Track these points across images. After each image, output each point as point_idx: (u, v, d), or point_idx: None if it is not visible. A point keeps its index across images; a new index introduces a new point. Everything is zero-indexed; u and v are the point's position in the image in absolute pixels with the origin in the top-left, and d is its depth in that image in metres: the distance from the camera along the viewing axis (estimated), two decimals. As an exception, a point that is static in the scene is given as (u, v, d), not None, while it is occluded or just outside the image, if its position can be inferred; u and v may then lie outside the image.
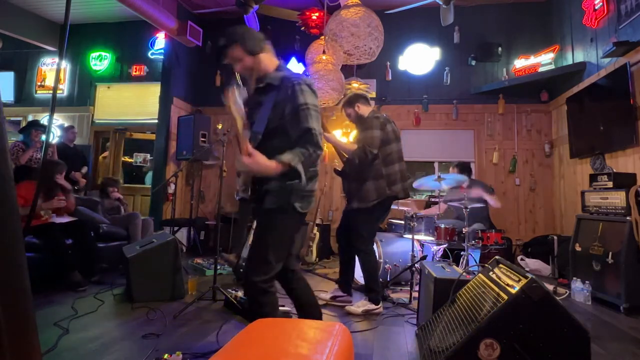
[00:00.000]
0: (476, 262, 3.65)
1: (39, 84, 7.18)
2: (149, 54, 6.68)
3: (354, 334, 2.38)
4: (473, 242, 3.70)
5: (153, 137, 6.20)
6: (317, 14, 5.72)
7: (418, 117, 6.06)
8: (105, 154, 6.84)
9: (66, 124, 5.99)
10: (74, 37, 6.91)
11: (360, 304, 2.89)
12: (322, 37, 4.46)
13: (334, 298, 3.08)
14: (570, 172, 5.13)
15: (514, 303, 1.59)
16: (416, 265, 3.25)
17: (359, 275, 3.81)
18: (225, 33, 1.73)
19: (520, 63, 5.70)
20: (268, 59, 1.76)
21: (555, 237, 4.45)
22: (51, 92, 7.13)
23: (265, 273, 1.65)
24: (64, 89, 6.99)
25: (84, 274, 3.42)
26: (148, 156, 6.93)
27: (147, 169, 6.98)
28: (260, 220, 1.73)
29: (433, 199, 5.59)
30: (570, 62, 5.09)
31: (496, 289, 1.77)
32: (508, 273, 1.84)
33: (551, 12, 5.73)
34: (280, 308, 2.56)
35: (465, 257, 3.55)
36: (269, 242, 1.67)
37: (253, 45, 1.70)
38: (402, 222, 3.96)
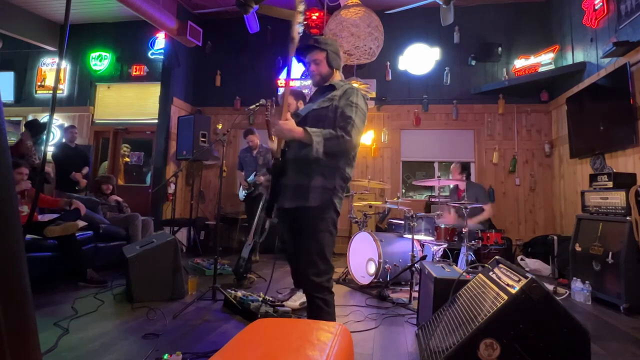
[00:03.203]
0: (468, 262, 3.64)
1: (39, 84, 7.18)
2: (149, 54, 6.68)
3: (354, 334, 2.38)
4: (473, 242, 3.71)
5: (146, 135, 6.20)
6: (317, 14, 5.72)
7: (418, 117, 6.06)
8: (106, 164, 6.83)
9: (66, 124, 6.00)
10: (74, 37, 6.91)
11: (296, 297, 2.94)
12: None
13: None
14: (570, 172, 5.13)
15: (514, 303, 1.59)
16: (416, 265, 3.25)
17: (359, 275, 3.82)
18: (318, 38, 1.93)
19: (520, 63, 5.70)
20: (337, 75, 1.94)
21: (555, 237, 4.45)
22: (51, 92, 7.13)
23: (327, 272, 1.71)
24: (64, 89, 6.99)
25: (75, 277, 3.44)
26: (142, 155, 6.92)
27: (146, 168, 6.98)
28: (305, 220, 1.74)
29: (433, 199, 5.59)
30: (570, 62, 5.09)
31: (496, 289, 1.77)
32: (508, 273, 1.84)
33: (551, 12, 5.73)
34: (280, 308, 2.58)
35: (466, 257, 3.55)
36: (322, 241, 1.71)
37: (335, 60, 1.89)
38: (402, 222, 3.96)
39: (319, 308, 1.70)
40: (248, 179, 4.86)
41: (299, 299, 2.90)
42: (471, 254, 3.64)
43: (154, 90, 6.36)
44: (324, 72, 1.88)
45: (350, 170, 1.82)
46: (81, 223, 3.74)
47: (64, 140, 5.43)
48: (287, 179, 1.76)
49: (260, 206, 3.82)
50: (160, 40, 6.51)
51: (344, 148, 1.70)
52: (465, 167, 4.55)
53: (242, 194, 5.04)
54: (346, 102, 1.74)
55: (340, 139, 1.67)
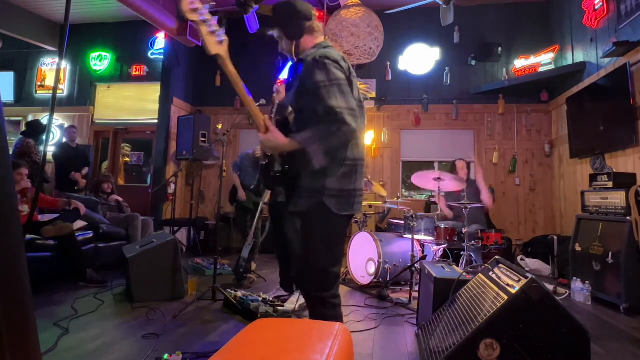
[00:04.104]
0: (475, 261, 3.64)
1: (39, 84, 7.19)
2: (149, 54, 6.68)
3: (354, 334, 2.38)
4: (473, 242, 3.71)
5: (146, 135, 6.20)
6: (317, 14, 5.72)
7: (418, 117, 6.06)
8: (106, 164, 6.83)
9: (66, 124, 6.01)
10: (74, 37, 6.91)
11: (294, 299, 2.86)
12: (322, 37, 4.45)
13: (277, 298, 3.02)
14: (570, 172, 5.13)
15: (514, 303, 1.59)
16: (416, 265, 3.25)
17: (359, 275, 3.82)
18: (273, 12, 1.66)
19: (520, 63, 5.70)
20: (307, 41, 1.64)
21: (555, 237, 4.45)
22: (51, 92, 7.13)
23: (321, 282, 1.51)
24: (64, 89, 6.99)
25: (75, 277, 3.45)
26: (142, 155, 6.91)
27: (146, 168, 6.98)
28: (297, 226, 1.57)
29: (433, 199, 5.59)
30: (570, 62, 5.09)
31: (496, 289, 1.77)
32: (508, 273, 1.84)
33: (551, 12, 5.73)
34: (280, 308, 2.57)
35: (466, 257, 3.55)
36: (315, 249, 1.51)
37: (294, 27, 1.62)
38: (402, 222, 3.96)
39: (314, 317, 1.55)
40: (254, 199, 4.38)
41: (296, 302, 2.87)
42: (472, 254, 3.63)
43: (154, 90, 6.36)
44: (287, 48, 1.66)
45: (351, 151, 1.53)
46: (81, 223, 3.74)
47: (64, 140, 5.44)
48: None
49: (259, 207, 3.81)
50: (160, 40, 6.51)
51: (346, 139, 1.46)
52: (468, 165, 4.57)
53: (238, 198, 4.52)
54: (316, 87, 1.45)
55: (337, 133, 1.41)
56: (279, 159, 1.55)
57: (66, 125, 5.65)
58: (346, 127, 1.41)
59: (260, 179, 2.98)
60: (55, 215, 3.64)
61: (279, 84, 3.21)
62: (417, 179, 3.96)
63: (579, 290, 3.32)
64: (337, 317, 1.53)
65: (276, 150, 1.51)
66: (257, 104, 3.00)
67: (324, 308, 1.51)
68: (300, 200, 1.52)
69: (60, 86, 6.95)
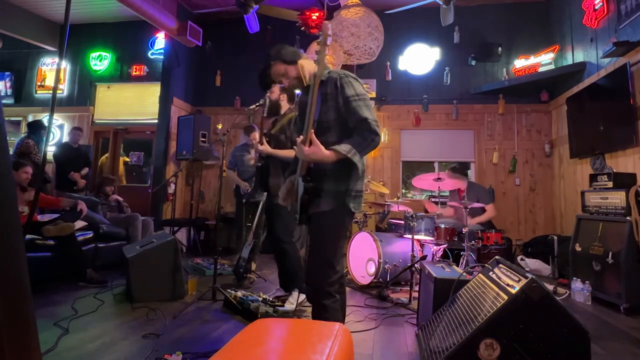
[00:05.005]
0: (475, 261, 3.64)
1: (39, 84, 7.18)
2: (149, 54, 6.68)
3: (354, 334, 2.38)
4: (473, 242, 3.71)
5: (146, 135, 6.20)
6: (317, 14, 5.72)
7: (418, 117, 6.06)
8: (106, 156, 6.84)
9: (70, 125, 6.01)
10: (74, 37, 6.91)
11: (292, 299, 2.86)
12: (322, 37, 4.44)
13: (277, 298, 3.03)
14: (570, 172, 5.13)
15: (514, 303, 1.59)
16: (416, 265, 3.25)
17: (358, 275, 3.82)
18: (264, 58, 1.86)
19: (520, 63, 5.70)
20: (309, 63, 1.82)
21: (555, 237, 4.45)
22: (51, 92, 7.12)
23: (329, 275, 1.66)
24: (64, 89, 6.99)
25: (75, 277, 3.45)
26: (142, 155, 6.91)
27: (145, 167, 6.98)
28: (316, 223, 1.71)
29: (433, 199, 5.59)
30: (570, 62, 5.09)
31: (496, 289, 1.77)
32: (508, 273, 1.84)
33: (551, 12, 5.73)
34: (280, 308, 2.58)
35: (466, 258, 3.55)
36: (329, 244, 1.68)
37: (291, 55, 1.79)
38: (402, 222, 3.96)
39: (315, 311, 1.68)
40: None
41: (296, 302, 2.87)
42: (471, 254, 3.63)
43: (154, 90, 6.36)
44: (294, 73, 1.80)
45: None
46: (81, 223, 3.74)
47: (65, 141, 5.44)
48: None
49: (260, 206, 3.81)
50: (160, 40, 6.51)
51: (375, 147, 1.65)
52: (456, 170, 4.35)
53: (243, 191, 4.54)
54: (348, 100, 1.63)
55: (371, 143, 1.61)
56: (304, 170, 1.69)
57: (71, 127, 5.64)
58: (377, 137, 1.61)
59: (257, 179, 2.96)
60: (56, 215, 3.64)
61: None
62: (418, 181, 3.96)
63: (579, 290, 3.32)
64: (339, 308, 1.70)
65: (318, 162, 1.63)
66: (257, 103, 3.01)
67: (328, 298, 1.65)
68: (324, 201, 1.67)
69: (60, 86, 6.95)
